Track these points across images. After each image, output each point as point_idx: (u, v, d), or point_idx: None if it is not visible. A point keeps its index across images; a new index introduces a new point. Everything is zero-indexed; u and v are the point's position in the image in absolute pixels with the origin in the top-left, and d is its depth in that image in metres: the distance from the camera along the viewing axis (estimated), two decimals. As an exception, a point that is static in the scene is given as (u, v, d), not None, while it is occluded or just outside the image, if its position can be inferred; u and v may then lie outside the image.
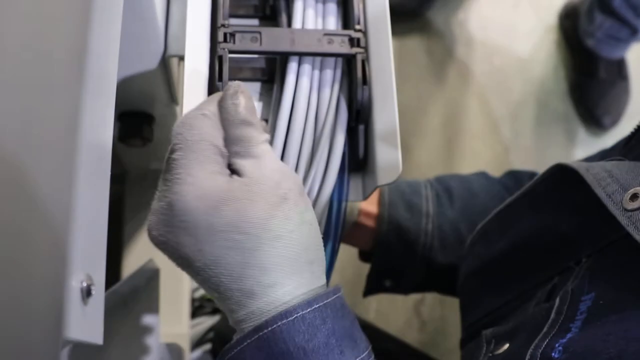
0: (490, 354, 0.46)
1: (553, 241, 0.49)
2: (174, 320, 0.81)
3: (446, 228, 0.66)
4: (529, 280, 0.50)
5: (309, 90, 0.50)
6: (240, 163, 0.41)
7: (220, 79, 0.47)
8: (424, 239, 0.66)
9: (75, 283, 0.31)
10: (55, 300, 0.29)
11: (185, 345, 0.81)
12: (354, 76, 0.50)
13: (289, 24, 0.52)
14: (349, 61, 0.51)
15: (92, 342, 0.33)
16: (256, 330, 0.39)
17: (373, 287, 0.72)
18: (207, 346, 0.95)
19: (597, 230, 0.44)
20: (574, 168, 0.44)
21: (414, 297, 1.27)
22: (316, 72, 0.50)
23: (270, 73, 0.52)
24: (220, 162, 0.40)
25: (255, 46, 0.49)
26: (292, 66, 0.50)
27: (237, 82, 0.43)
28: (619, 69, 1.47)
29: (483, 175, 0.71)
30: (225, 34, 0.49)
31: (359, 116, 0.50)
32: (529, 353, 0.40)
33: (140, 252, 0.82)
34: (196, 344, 0.94)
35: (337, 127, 0.50)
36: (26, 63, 0.30)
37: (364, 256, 0.72)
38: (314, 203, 0.48)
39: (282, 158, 0.48)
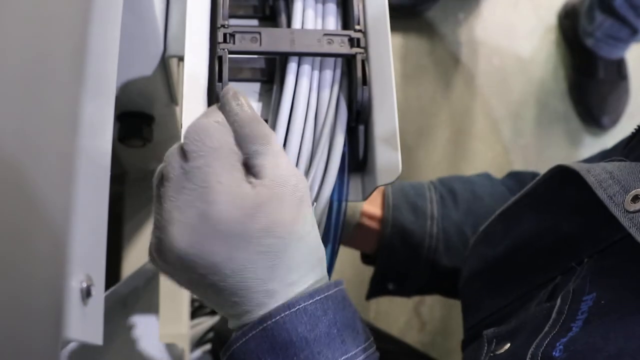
0: (492, 354, 0.46)
1: (554, 242, 0.49)
2: (173, 320, 0.81)
3: (451, 230, 0.66)
4: (530, 281, 0.50)
5: (309, 91, 0.50)
6: (259, 164, 0.41)
7: (220, 79, 0.47)
8: (429, 241, 0.65)
9: (75, 283, 0.31)
10: (55, 301, 0.29)
11: (185, 345, 0.81)
12: (353, 76, 0.50)
13: (289, 25, 0.52)
14: (348, 61, 0.51)
15: (92, 343, 0.33)
16: (261, 322, 0.40)
17: (376, 290, 0.71)
18: (207, 346, 0.95)
19: (599, 231, 0.44)
20: (575, 169, 0.44)
21: (414, 297, 1.27)
22: (316, 73, 0.50)
23: (270, 73, 0.52)
24: (241, 168, 0.41)
25: (255, 47, 0.49)
26: (292, 66, 0.50)
27: (229, 86, 0.44)
28: (619, 69, 1.47)
29: (486, 177, 0.71)
30: (225, 35, 0.49)
31: (358, 116, 0.50)
32: (530, 352, 0.40)
33: (140, 252, 0.81)
34: (196, 344, 0.94)
35: (336, 127, 0.50)
36: (26, 63, 0.30)
37: (366, 259, 0.71)
38: (314, 203, 0.48)
39: (282, 158, 0.48)
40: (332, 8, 0.53)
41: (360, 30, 0.51)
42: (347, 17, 0.53)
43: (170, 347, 0.74)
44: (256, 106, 0.51)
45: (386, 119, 0.49)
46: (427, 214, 0.66)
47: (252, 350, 0.41)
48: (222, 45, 0.48)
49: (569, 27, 1.49)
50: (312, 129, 0.49)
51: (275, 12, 0.54)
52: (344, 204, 0.51)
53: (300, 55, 0.50)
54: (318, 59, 0.51)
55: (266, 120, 0.49)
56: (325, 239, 0.49)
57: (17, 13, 0.30)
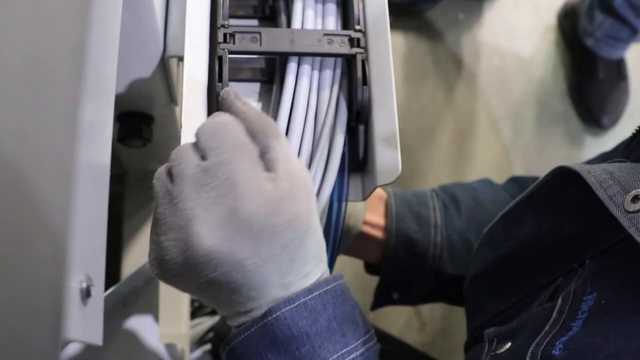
0: (492, 353, 0.46)
1: (555, 243, 0.49)
2: (173, 320, 0.81)
3: (455, 238, 0.66)
4: (532, 282, 0.50)
5: (309, 91, 0.50)
6: (273, 157, 0.41)
7: (220, 79, 0.47)
8: (433, 250, 0.65)
9: (75, 284, 0.31)
10: (54, 301, 0.29)
11: (185, 345, 0.81)
12: (353, 76, 0.50)
13: (289, 25, 0.52)
14: (348, 61, 0.51)
15: (92, 343, 0.33)
16: (262, 317, 0.41)
17: (381, 300, 0.71)
18: (207, 346, 0.95)
19: (599, 232, 0.44)
20: (575, 170, 0.44)
21: (413, 297, 1.27)
22: (316, 73, 0.50)
23: (270, 73, 0.52)
24: (262, 163, 0.41)
25: (255, 47, 0.49)
26: (292, 66, 0.50)
27: (228, 88, 0.45)
28: (619, 69, 1.47)
29: (487, 183, 0.71)
30: (225, 35, 0.49)
31: (358, 116, 0.50)
32: (530, 351, 0.40)
33: (140, 252, 0.81)
34: (196, 344, 0.94)
35: (336, 127, 0.50)
36: (25, 63, 0.30)
37: (369, 268, 0.71)
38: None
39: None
40: (332, 8, 0.53)
41: (360, 30, 0.51)
42: (347, 17, 0.53)
43: (170, 347, 0.74)
44: (256, 106, 0.51)
45: (386, 118, 0.49)
46: (430, 223, 0.65)
47: (253, 345, 0.41)
48: (222, 45, 0.48)
49: (569, 27, 1.49)
50: (312, 128, 0.49)
51: (275, 12, 0.54)
52: (344, 203, 0.51)
53: (300, 55, 0.50)
54: (318, 59, 0.51)
55: (266, 120, 0.50)
56: (325, 239, 0.49)
57: (17, 13, 0.30)
